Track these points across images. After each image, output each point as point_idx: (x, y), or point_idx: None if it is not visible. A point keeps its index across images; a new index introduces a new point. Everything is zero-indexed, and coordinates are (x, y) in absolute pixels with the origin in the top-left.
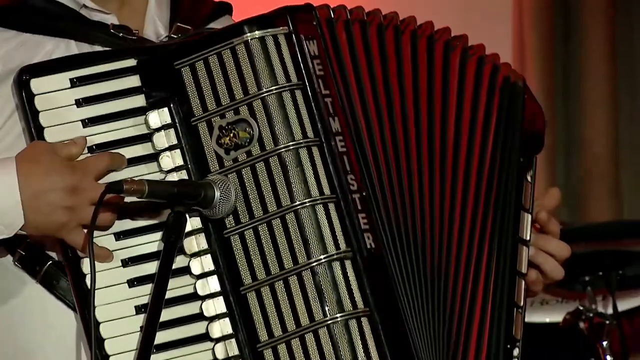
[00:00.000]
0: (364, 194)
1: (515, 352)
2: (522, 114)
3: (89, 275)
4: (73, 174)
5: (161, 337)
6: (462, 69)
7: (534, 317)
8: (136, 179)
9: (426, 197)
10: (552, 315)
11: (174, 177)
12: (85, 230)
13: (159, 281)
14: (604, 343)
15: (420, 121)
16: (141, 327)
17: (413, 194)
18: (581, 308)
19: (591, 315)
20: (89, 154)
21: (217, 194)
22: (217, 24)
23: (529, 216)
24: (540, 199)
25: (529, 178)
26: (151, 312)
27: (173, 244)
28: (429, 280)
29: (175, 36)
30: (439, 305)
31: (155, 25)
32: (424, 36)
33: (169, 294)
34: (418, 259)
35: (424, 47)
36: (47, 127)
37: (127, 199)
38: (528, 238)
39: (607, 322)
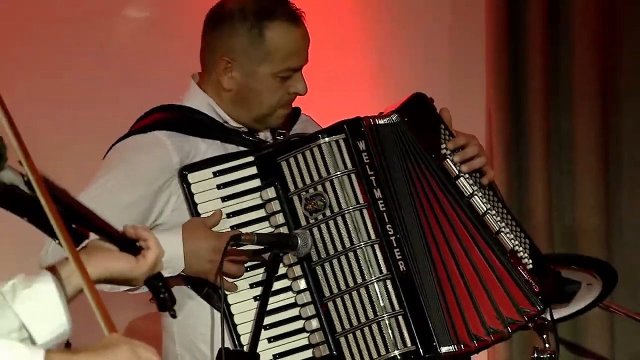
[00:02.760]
0: (397, 236)
1: None
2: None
3: (228, 292)
4: (215, 240)
5: (274, 331)
6: None
7: None
8: (249, 232)
9: (432, 236)
10: None
11: (279, 230)
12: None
13: (264, 295)
14: (544, 336)
15: (436, 184)
16: (255, 318)
17: (426, 235)
18: None
19: (535, 318)
20: (225, 218)
21: (300, 242)
22: (297, 125)
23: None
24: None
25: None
26: (260, 311)
27: (272, 274)
28: (437, 287)
29: (279, 137)
30: (443, 301)
31: (265, 133)
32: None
33: (279, 304)
34: (431, 276)
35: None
36: (200, 203)
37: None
38: (497, 228)
39: (545, 323)
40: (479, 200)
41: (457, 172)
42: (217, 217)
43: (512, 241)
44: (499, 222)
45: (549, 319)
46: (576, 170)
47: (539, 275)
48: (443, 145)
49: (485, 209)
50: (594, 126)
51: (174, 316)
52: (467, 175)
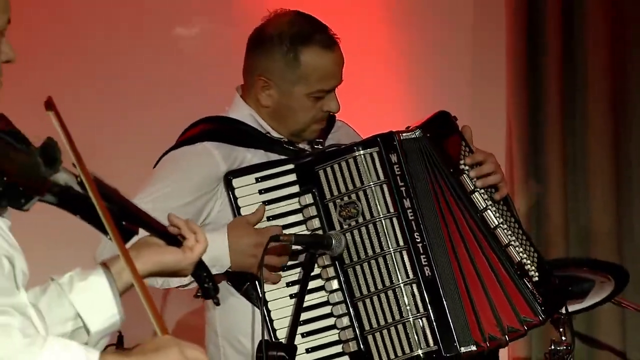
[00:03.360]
0: (423, 243)
1: None
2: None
3: (266, 289)
4: (257, 236)
5: (308, 327)
6: None
7: None
8: (287, 233)
9: (451, 244)
10: None
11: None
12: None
13: (301, 292)
14: (561, 329)
15: (452, 197)
16: (292, 314)
17: (446, 243)
18: None
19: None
20: (266, 221)
21: (334, 242)
22: (332, 135)
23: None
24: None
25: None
26: (297, 307)
27: (308, 273)
28: (457, 291)
29: (317, 146)
30: (462, 304)
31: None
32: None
33: (313, 302)
34: (452, 281)
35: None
36: (242, 206)
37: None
38: (507, 241)
39: (562, 317)
40: (491, 215)
41: (473, 187)
42: (259, 214)
43: (521, 254)
44: (509, 236)
45: (565, 312)
46: (589, 177)
47: (544, 287)
48: (462, 161)
49: (496, 223)
50: (606, 137)
51: (217, 303)
52: (482, 191)
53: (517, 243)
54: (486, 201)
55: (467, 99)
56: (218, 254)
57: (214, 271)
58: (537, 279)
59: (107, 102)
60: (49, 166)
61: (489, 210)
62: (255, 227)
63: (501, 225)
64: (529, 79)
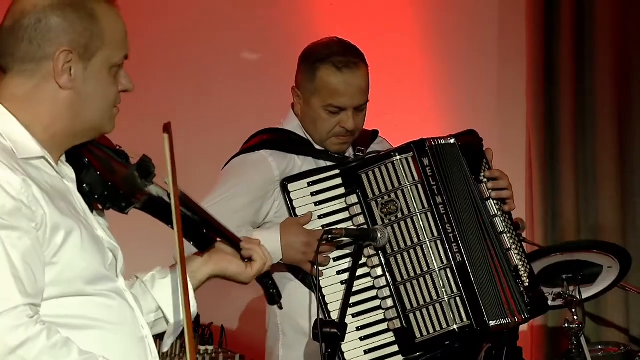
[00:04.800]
0: (455, 233)
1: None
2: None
3: (320, 277)
4: (306, 236)
5: (357, 308)
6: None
7: None
8: (338, 227)
9: (479, 233)
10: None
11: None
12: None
13: (350, 278)
14: (573, 310)
15: (472, 196)
16: (343, 297)
17: (475, 231)
18: (561, 292)
19: (566, 295)
20: (317, 220)
21: (379, 235)
22: (375, 145)
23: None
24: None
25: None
26: (347, 291)
27: (357, 261)
28: (484, 272)
29: (359, 154)
30: (490, 285)
31: (349, 150)
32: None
33: (360, 287)
34: (480, 262)
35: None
36: (297, 207)
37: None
38: (508, 246)
39: (574, 300)
40: (499, 222)
41: (488, 195)
42: (308, 217)
43: (517, 260)
44: (510, 243)
45: (578, 297)
46: (598, 180)
47: (532, 292)
48: (482, 173)
49: (502, 229)
50: (612, 147)
51: (280, 308)
52: (494, 201)
53: (516, 251)
54: (497, 210)
55: (492, 113)
56: (272, 249)
57: None
58: (527, 284)
59: (192, 116)
60: (145, 178)
61: (497, 218)
62: (304, 227)
63: (505, 232)
64: (546, 96)
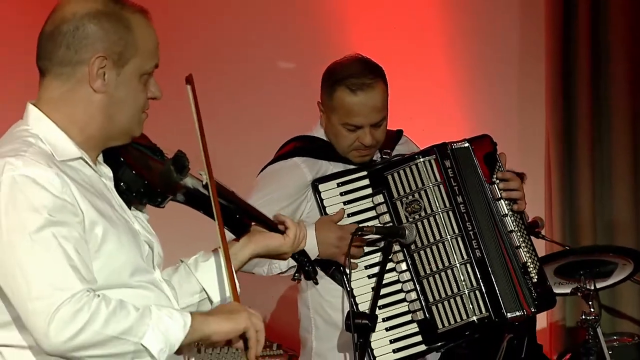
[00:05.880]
0: (475, 231)
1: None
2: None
3: (350, 271)
4: (339, 231)
5: (383, 301)
6: None
7: (557, 290)
8: (369, 225)
9: (496, 230)
10: (564, 289)
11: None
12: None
13: (380, 272)
14: (590, 303)
15: (485, 197)
16: (372, 291)
17: (492, 229)
18: (578, 286)
19: (584, 289)
20: (346, 217)
21: (407, 232)
22: (399, 145)
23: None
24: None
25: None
26: (377, 284)
27: (386, 257)
28: (500, 267)
29: (385, 157)
30: (507, 279)
31: (375, 153)
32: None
33: (386, 281)
34: (498, 259)
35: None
36: (328, 206)
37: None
38: (518, 244)
39: (590, 293)
40: (509, 221)
41: (500, 196)
42: (340, 214)
43: (527, 257)
44: (520, 242)
45: (593, 289)
46: (613, 180)
47: (540, 288)
48: (495, 175)
49: (512, 228)
50: (626, 149)
51: (316, 283)
52: (506, 202)
53: (525, 249)
54: (508, 210)
55: (513, 117)
56: (308, 245)
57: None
58: (535, 280)
59: (232, 121)
60: (180, 173)
61: (508, 217)
62: (337, 224)
63: (515, 231)
64: (564, 101)
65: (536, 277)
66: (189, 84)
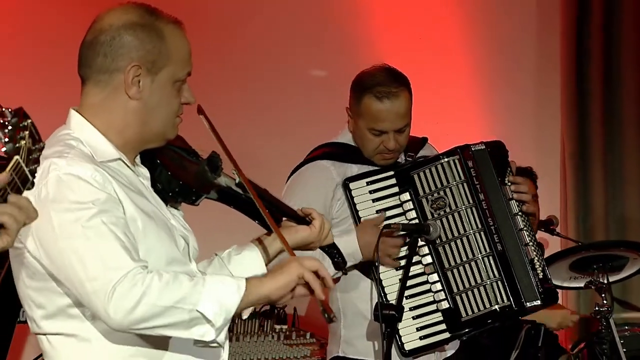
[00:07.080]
0: (496, 226)
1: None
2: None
3: (378, 267)
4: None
5: (409, 292)
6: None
7: (572, 284)
8: (396, 222)
9: (507, 225)
10: (578, 283)
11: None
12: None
13: (407, 266)
14: (603, 295)
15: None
16: (399, 282)
17: (511, 224)
18: (592, 280)
19: (597, 282)
20: (374, 215)
21: (431, 229)
22: (423, 150)
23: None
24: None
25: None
26: (404, 277)
27: (412, 251)
28: (520, 259)
29: (409, 159)
30: (523, 268)
31: (400, 156)
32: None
33: (412, 273)
34: (517, 251)
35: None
36: (358, 203)
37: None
38: (527, 241)
39: (603, 286)
40: (519, 220)
41: (511, 196)
42: (381, 218)
43: (534, 254)
44: (529, 240)
45: (606, 282)
46: (624, 180)
47: (545, 283)
48: (506, 177)
49: (522, 226)
50: (637, 151)
51: (345, 273)
52: (516, 202)
53: (532, 247)
54: (517, 209)
55: (530, 121)
56: (352, 250)
57: (350, 263)
58: (541, 276)
59: (266, 125)
60: (214, 172)
61: (518, 216)
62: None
63: (524, 229)
64: (578, 106)
65: (541, 273)
66: (201, 114)
